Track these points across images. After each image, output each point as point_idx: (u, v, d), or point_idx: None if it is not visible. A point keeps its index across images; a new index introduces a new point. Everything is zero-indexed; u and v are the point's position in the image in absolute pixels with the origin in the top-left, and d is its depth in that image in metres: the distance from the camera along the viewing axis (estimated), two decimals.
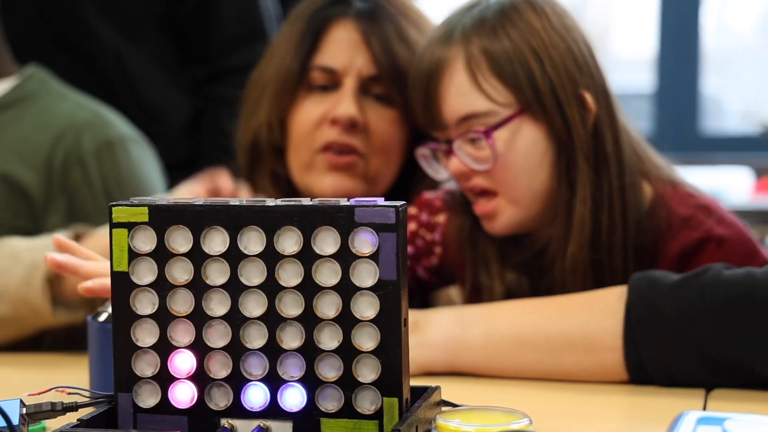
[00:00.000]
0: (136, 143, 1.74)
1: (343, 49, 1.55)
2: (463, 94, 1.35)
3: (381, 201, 0.97)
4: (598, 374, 1.21)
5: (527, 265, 1.43)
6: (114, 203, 1.00)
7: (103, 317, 1.17)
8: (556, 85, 1.33)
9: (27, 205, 1.67)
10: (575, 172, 1.35)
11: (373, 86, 1.56)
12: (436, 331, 1.19)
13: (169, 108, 2.01)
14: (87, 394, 1.04)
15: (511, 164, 1.35)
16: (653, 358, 1.17)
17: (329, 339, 0.98)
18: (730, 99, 3.75)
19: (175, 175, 1.89)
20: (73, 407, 1.03)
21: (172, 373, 1.00)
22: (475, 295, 1.47)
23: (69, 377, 1.22)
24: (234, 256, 0.99)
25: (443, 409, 1.04)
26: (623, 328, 1.19)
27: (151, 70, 1.99)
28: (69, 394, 1.05)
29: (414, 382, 1.02)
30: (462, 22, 1.37)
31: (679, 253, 1.36)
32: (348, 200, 0.97)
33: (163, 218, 1.00)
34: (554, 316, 1.23)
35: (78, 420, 0.97)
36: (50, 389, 1.05)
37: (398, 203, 0.97)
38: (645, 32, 4.22)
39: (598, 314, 1.21)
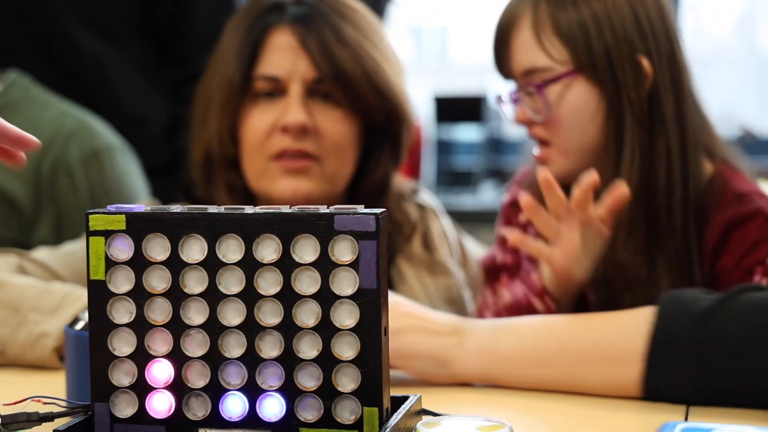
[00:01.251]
0: (121, 152, 1.73)
1: (283, 56, 1.56)
2: (527, 49, 1.44)
3: (361, 209, 0.96)
4: (616, 390, 1.19)
5: None
6: (90, 211, 0.99)
7: (79, 326, 1.15)
8: (611, 49, 1.41)
9: (15, 215, 1.66)
10: (623, 132, 1.42)
11: (317, 88, 1.56)
12: (472, 339, 1.19)
13: (148, 113, 1.99)
14: (63, 404, 1.03)
15: (561, 118, 1.43)
16: (673, 382, 1.15)
17: (309, 348, 0.97)
18: (706, 102, 3.75)
19: (155, 180, 1.88)
20: (50, 417, 1.01)
21: (149, 382, 0.99)
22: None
23: (45, 387, 1.20)
24: (212, 265, 0.98)
25: (423, 418, 1.03)
26: (647, 350, 1.16)
27: (131, 75, 1.97)
28: (45, 404, 1.04)
29: (403, 392, 1.01)
30: None
31: (727, 222, 1.41)
32: (328, 208, 0.96)
33: (140, 226, 0.99)
34: (580, 333, 1.21)
35: (54, 430, 0.96)
36: (26, 399, 1.04)
37: (378, 210, 0.96)
38: None
39: (624, 333, 1.19)
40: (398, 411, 0.99)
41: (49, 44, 1.92)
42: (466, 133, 3.50)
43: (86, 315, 1.15)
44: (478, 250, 1.77)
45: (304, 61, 1.56)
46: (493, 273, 1.59)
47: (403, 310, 1.23)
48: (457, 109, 3.17)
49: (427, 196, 1.73)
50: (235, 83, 1.56)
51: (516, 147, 3.40)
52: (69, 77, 1.93)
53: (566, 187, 1.45)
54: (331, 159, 1.57)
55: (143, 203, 1.60)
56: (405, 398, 1.03)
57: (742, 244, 1.38)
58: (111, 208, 1.00)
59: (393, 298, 1.12)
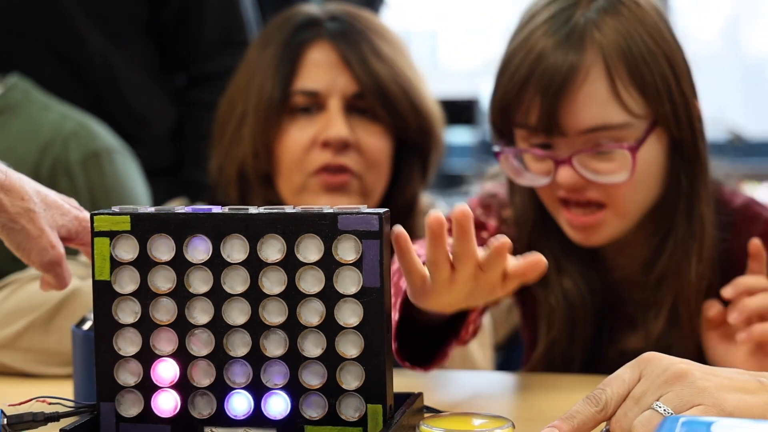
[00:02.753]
0: (122, 154, 1.73)
1: (322, 70, 1.56)
2: (599, 104, 1.23)
3: (364, 208, 0.97)
4: None
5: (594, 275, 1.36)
6: (95, 212, 1.00)
7: (87, 326, 1.16)
8: (688, 95, 1.26)
9: None
10: (698, 187, 1.28)
11: (356, 104, 1.56)
12: None
13: (154, 113, 2.00)
14: (68, 403, 1.04)
15: (635, 179, 1.25)
16: None
17: (313, 346, 0.98)
18: None
19: (158, 180, 1.88)
20: (55, 417, 1.02)
21: (155, 381, 1.00)
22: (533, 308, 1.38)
23: (52, 388, 1.20)
24: (217, 265, 0.99)
25: (426, 415, 1.04)
26: None
27: (137, 75, 1.98)
28: (50, 404, 1.04)
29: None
30: (589, 16, 1.24)
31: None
32: (331, 208, 0.97)
33: (145, 227, 0.99)
34: None
35: (61, 430, 0.97)
36: (31, 399, 1.05)
37: (381, 210, 0.97)
38: None
39: None
40: (401, 408, 1.01)
41: (56, 43, 1.92)
42: (459, 136, 3.51)
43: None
44: None
45: (344, 75, 1.55)
46: None
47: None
48: (449, 112, 3.17)
49: (442, 208, 1.74)
50: (274, 99, 1.55)
51: None
52: (76, 76, 1.94)
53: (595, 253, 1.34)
54: (369, 175, 1.57)
55: (177, 203, 1.61)
56: (407, 396, 1.04)
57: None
58: (115, 209, 1.01)
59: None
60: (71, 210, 1.11)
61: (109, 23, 1.95)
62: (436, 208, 1.68)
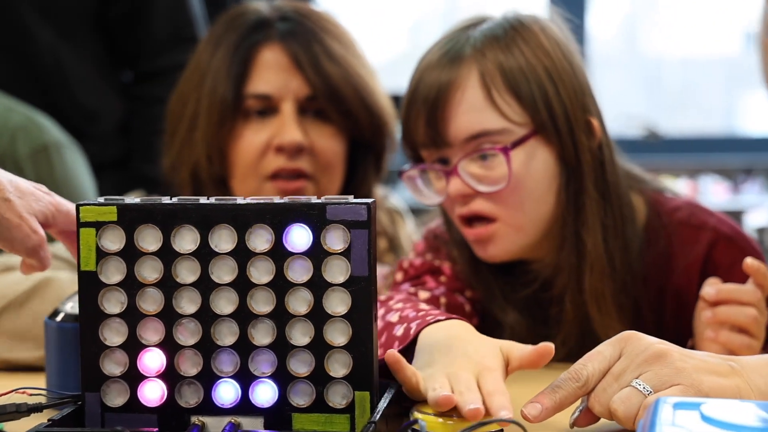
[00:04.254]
0: (69, 148, 1.72)
1: (274, 73, 1.56)
2: (476, 111, 1.29)
3: (352, 198, 0.98)
4: None
5: (532, 298, 1.38)
6: (82, 203, 1.00)
7: (60, 317, 1.16)
8: (568, 108, 1.29)
9: None
10: (584, 198, 1.31)
11: (309, 106, 1.57)
12: (758, 378, 1.00)
13: (102, 108, 1.99)
14: (51, 394, 1.04)
15: (522, 186, 1.29)
16: None
17: (301, 335, 0.99)
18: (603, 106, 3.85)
19: (107, 175, 1.88)
20: (39, 408, 1.02)
21: (141, 371, 1.01)
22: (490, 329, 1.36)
23: (25, 380, 1.19)
24: (204, 254, 0.99)
25: (418, 402, 1.06)
26: None
27: (86, 70, 1.96)
28: (31, 395, 1.04)
29: None
30: (472, 39, 1.32)
31: (701, 263, 1.36)
32: (319, 198, 0.99)
33: (132, 217, 1.00)
34: None
35: (49, 420, 0.96)
36: (11, 391, 1.04)
37: (369, 200, 0.99)
38: None
39: None
40: (385, 396, 1.02)
41: (4, 37, 1.90)
42: None
43: (66, 306, 1.16)
44: None
45: (296, 78, 1.56)
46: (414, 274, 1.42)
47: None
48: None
49: (394, 199, 1.76)
50: (226, 102, 1.55)
51: None
52: (25, 70, 1.92)
53: (520, 270, 1.37)
54: (324, 177, 1.57)
55: (135, 195, 1.60)
56: (385, 385, 1.06)
57: (718, 270, 1.34)
58: (101, 199, 1.01)
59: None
60: (44, 195, 1.11)
61: (57, 18, 1.93)
62: (390, 200, 1.71)
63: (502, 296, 1.38)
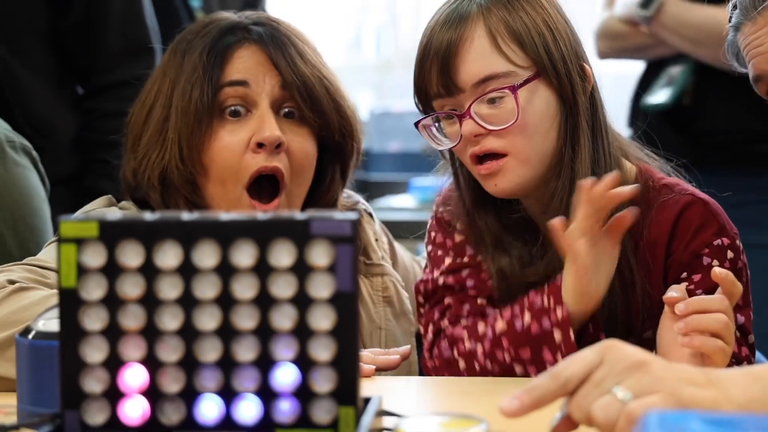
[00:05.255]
0: (17, 148, 1.69)
1: (251, 68, 1.57)
2: (483, 57, 1.44)
3: (337, 214, 0.99)
4: None
5: (523, 242, 1.51)
6: (64, 218, 0.99)
7: (32, 335, 1.14)
8: (565, 54, 1.46)
9: None
10: (578, 134, 1.47)
11: (283, 105, 1.58)
12: (736, 390, 1.01)
13: (56, 122, 1.96)
14: (28, 413, 1.02)
15: (528, 123, 1.44)
16: None
17: (285, 351, 0.99)
18: None
19: (62, 190, 1.85)
20: (17, 427, 1.01)
21: (122, 389, 0.99)
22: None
23: None
24: (187, 270, 0.99)
25: (402, 417, 1.06)
26: None
27: (39, 84, 1.94)
28: (7, 414, 1.03)
29: None
30: (475, 1, 1.47)
31: (676, 214, 1.47)
32: (303, 213, 0.99)
33: (113, 233, 0.99)
34: None
35: None
36: None
37: (353, 215, 0.99)
38: None
39: None
40: (368, 411, 1.02)
41: None
42: None
43: (39, 324, 1.15)
44: (406, 253, 1.82)
45: (271, 76, 1.57)
46: (433, 296, 1.55)
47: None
48: None
49: (361, 201, 1.76)
50: (203, 101, 1.54)
51: (384, 158, 3.47)
52: None
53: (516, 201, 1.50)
54: (294, 179, 1.58)
55: (101, 203, 1.58)
56: (367, 399, 1.06)
57: (687, 230, 1.46)
58: (83, 215, 1.00)
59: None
60: None
61: (8, 31, 1.91)
62: (354, 198, 1.72)
63: (496, 238, 1.52)
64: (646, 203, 1.47)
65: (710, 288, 1.40)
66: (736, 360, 1.42)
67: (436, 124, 1.49)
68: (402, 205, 3.13)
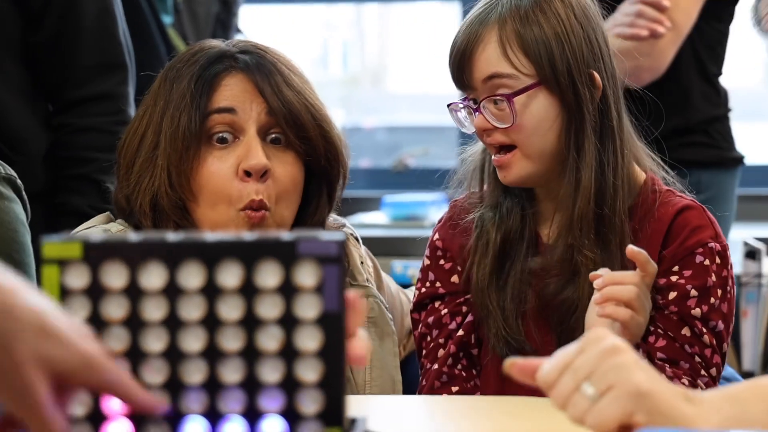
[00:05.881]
0: (2, 179, 1.67)
1: (239, 96, 1.58)
2: (492, 60, 1.57)
3: (323, 234, 0.98)
4: None
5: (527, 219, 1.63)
6: (47, 239, 0.98)
7: None
8: (572, 66, 1.56)
9: None
10: (583, 138, 1.57)
11: (270, 132, 1.59)
12: (713, 411, 1.02)
13: (27, 137, 1.94)
14: None
15: (525, 125, 1.56)
16: None
17: (271, 372, 0.98)
18: None
19: (33, 206, 1.83)
20: None
21: (105, 412, 0.98)
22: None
23: None
24: (172, 292, 0.98)
25: None
26: None
27: (10, 97, 1.92)
28: None
29: None
30: (499, 7, 1.59)
31: (674, 214, 1.57)
32: (290, 233, 0.98)
33: (97, 254, 0.98)
34: None
35: None
36: None
37: (339, 235, 0.98)
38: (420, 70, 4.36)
39: None
40: (354, 431, 1.02)
41: None
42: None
43: None
44: (392, 282, 1.82)
45: (258, 104, 1.58)
46: (425, 305, 1.64)
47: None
48: None
49: (347, 225, 1.76)
50: (190, 128, 1.55)
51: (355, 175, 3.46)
52: None
53: (524, 191, 1.62)
54: (280, 205, 1.58)
55: (100, 220, 1.57)
56: (352, 420, 1.05)
57: (683, 229, 1.54)
58: (67, 236, 0.98)
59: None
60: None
61: None
62: (339, 221, 1.72)
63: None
64: (650, 209, 1.57)
65: (701, 285, 1.52)
66: (706, 364, 1.50)
67: (463, 109, 1.63)
68: (374, 221, 3.12)
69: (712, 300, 1.52)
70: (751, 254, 2.60)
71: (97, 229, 1.57)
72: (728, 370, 1.66)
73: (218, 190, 1.56)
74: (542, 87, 1.56)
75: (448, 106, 1.64)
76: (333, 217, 1.71)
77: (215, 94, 1.58)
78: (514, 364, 1.04)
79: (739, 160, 2.25)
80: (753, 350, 2.55)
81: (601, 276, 1.47)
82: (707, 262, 1.53)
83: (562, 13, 1.58)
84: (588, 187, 1.55)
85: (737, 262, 2.56)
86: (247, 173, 1.56)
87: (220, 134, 1.58)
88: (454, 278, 1.64)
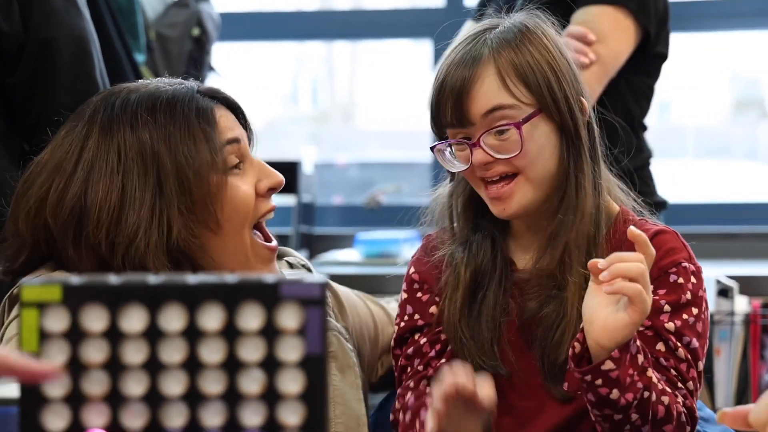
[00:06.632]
0: None
1: (233, 125, 1.61)
2: (492, 92, 1.59)
3: (306, 276, 0.98)
4: None
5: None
6: (26, 282, 0.97)
7: None
8: (567, 92, 1.61)
9: None
10: (581, 162, 1.61)
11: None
12: None
13: (1, 178, 1.92)
14: None
15: (529, 151, 1.59)
16: None
17: (253, 416, 0.97)
18: None
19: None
20: None
21: (84, 424, 0.97)
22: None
23: None
24: (153, 335, 0.97)
25: None
26: None
27: None
28: None
29: None
30: (489, 41, 1.62)
31: (649, 237, 1.52)
32: (272, 275, 0.98)
33: (77, 297, 0.97)
34: None
35: None
36: None
37: (322, 278, 0.98)
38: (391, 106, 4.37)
39: None
40: None
41: None
42: (278, 199, 3.48)
43: None
44: (352, 295, 1.81)
45: (243, 133, 1.62)
46: (405, 339, 1.65)
47: None
48: None
49: (296, 255, 1.75)
50: (213, 160, 1.55)
51: (327, 212, 3.46)
52: None
53: (496, 226, 1.63)
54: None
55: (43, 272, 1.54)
56: None
57: (658, 251, 1.51)
58: (46, 279, 0.97)
59: None
60: None
61: None
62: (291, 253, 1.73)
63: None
64: (624, 235, 1.55)
65: (674, 301, 1.54)
66: (682, 378, 1.52)
67: (449, 149, 1.63)
68: (347, 259, 3.11)
69: (686, 316, 1.54)
70: (724, 292, 2.60)
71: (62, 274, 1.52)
72: (706, 411, 1.67)
73: (247, 209, 1.57)
74: (542, 114, 1.60)
75: (432, 149, 1.64)
76: (280, 248, 1.70)
77: (217, 126, 1.59)
78: (725, 415, 1.06)
79: (662, 204, 2.28)
80: (726, 389, 2.55)
81: (599, 261, 1.46)
82: (681, 280, 1.56)
83: (546, 44, 1.62)
84: (590, 209, 1.59)
85: (710, 300, 2.57)
86: (270, 190, 1.61)
87: (235, 163, 1.58)
88: (433, 309, 1.64)
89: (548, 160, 1.60)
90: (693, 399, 1.51)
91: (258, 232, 1.59)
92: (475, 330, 1.59)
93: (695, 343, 1.53)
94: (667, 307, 1.54)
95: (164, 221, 1.52)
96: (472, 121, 1.59)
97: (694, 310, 1.55)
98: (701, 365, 1.54)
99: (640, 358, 1.44)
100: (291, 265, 1.71)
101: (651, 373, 1.45)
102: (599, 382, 1.42)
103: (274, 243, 1.60)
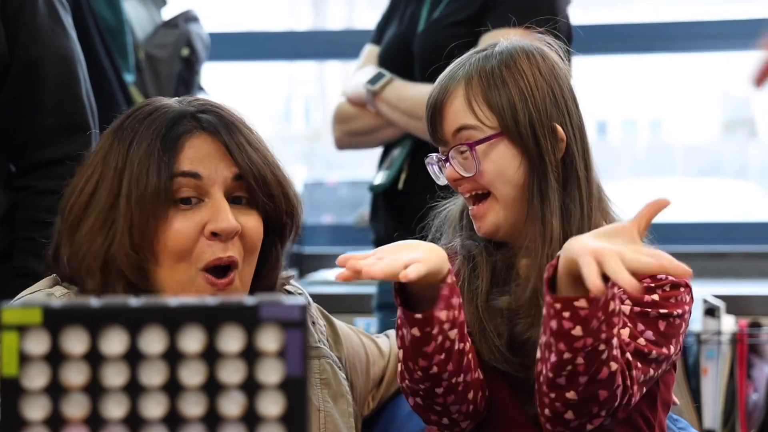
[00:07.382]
0: None
1: (203, 157, 1.56)
2: (460, 112, 1.66)
3: (285, 298, 0.98)
4: None
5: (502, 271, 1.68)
6: (5, 305, 0.97)
7: None
8: (534, 119, 1.64)
9: None
10: (546, 187, 1.64)
11: (235, 192, 1.58)
12: None
13: None
14: None
15: (486, 171, 1.64)
16: None
17: None
18: None
19: None
20: None
21: (64, 416, 0.97)
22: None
23: None
24: (133, 357, 0.97)
25: None
26: None
27: None
28: None
29: None
30: (467, 66, 1.69)
31: None
32: (252, 297, 0.98)
33: (57, 319, 0.97)
34: None
35: None
36: None
37: (302, 300, 0.98)
38: None
39: None
40: None
41: None
42: None
43: None
44: (346, 327, 1.81)
45: (225, 167, 1.56)
46: None
47: None
48: None
49: (293, 283, 1.75)
50: (157, 189, 1.53)
51: (317, 231, 3.47)
52: None
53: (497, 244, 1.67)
54: (245, 263, 1.57)
55: (45, 284, 1.55)
56: None
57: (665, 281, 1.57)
58: (26, 301, 0.98)
59: None
60: None
61: None
62: (293, 281, 1.72)
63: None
64: None
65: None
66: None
67: (437, 164, 1.71)
68: None
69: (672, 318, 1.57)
70: (711, 312, 2.61)
71: (41, 293, 1.53)
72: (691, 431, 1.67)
73: (182, 248, 1.54)
74: (504, 137, 1.64)
75: (426, 161, 1.72)
76: (284, 275, 1.70)
77: (179, 155, 1.55)
78: None
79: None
80: (713, 408, 2.56)
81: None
82: (673, 292, 1.58)
83: (527, 70, 1.66)
84: (556, 236, 1.61)
85: (697, 320, 2.58)
86: (215, 234, 1.54)
87: (185, 197, 1.56)
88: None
89: (510, 182, 1.64)
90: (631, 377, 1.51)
91: (209, 274, 1.55)
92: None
93: (655, 353, 1.54)
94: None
95: (109, 238, 1.54)
96: (446, 138, 1.68)
97: (678, 322, 1.57)
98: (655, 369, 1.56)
99: (612, 304, 1.44)
100: (289, 293, 1.71)
101: (616, 331, 1.46)
102: (567, 314, 1.43)
103: (227, 280, 1.55)
